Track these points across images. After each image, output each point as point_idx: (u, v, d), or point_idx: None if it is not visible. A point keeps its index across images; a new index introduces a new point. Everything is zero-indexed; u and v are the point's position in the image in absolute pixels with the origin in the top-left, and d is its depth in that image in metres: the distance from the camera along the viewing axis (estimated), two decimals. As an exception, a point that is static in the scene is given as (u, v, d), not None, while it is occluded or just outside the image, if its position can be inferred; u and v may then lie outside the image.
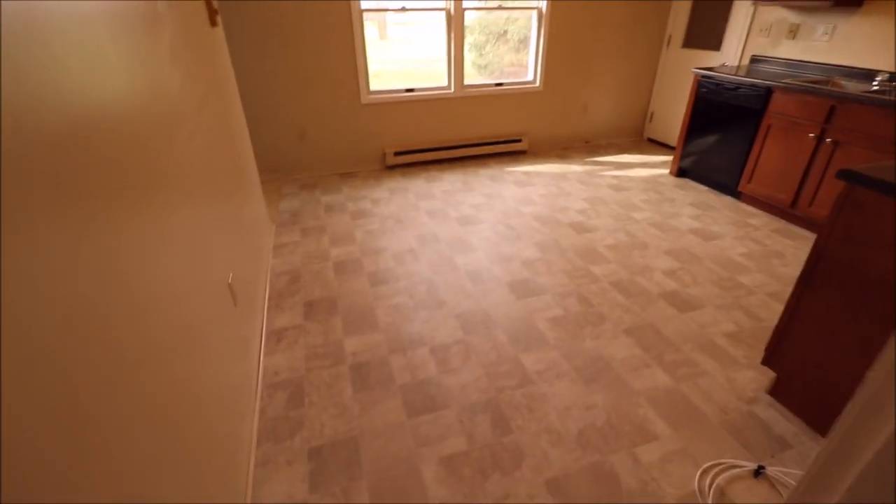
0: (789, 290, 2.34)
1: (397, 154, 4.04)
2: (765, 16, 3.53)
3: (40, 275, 0.57)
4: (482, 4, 4.01)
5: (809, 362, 1.56)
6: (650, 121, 4.85)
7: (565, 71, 4.32)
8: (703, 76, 3.46)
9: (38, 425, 0.52)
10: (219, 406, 1.23)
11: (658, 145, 4.76)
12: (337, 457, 1.49)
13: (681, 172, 3.87)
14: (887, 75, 2.81)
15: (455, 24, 3.80)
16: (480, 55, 4.31)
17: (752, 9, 3.60)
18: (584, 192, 3.58)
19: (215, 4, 2.21)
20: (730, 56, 3.86)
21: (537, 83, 4.30)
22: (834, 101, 2.67)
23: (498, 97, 4.24)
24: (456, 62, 3.94)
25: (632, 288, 2.36)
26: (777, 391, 1.71)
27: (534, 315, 2.15)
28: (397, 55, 5.07)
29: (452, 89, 4.05)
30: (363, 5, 3.50)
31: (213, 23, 2.11)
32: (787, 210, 3.05)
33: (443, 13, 3.78)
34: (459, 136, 4.26)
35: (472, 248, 2.74)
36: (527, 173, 3.98)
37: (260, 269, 2.26)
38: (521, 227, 3.00)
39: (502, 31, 4.23)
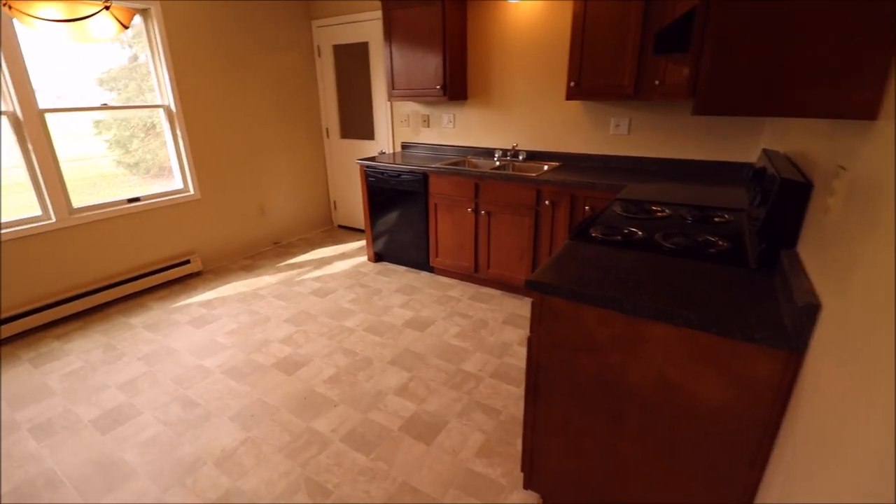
0: (506, 361, 2.38)
1: (-36, 336, 2.48)
2: (401, 109, 3.89)
3: None
4: (79, 104, 2.99)
5: (568, 477, 1.42)
6: (335, 209, 4.75)
7: (226, 173, 3.71)
8: (367, 166, 3.50)
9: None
10: None
11: (349, 230, 4.69)
12: None
13: (378, 257, 3.81)
14: (500, 151, 3.44)
15: (33, 133, 2.66)
16: (127, 152, 3.32)
17: (388, 104, 3.92)
18: (286, 310, 3.00)
19: None
20: (384, 144, 4.11)
21: (192, 191, 3.52)
22: (476, 179, 3.02)
23: (140, 215, 3.23)
24: (49, 180, 2.77)
25: (369, 434, 1.91)
26: (547, 511, 1.54)
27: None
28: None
29: (54, 218, 2.82)
30: None
31: None
32: (474, 275, 3.30)
33: (3, 119, 2.59)
34: (90, 278, 3.01)
35: (128, 474, 1.73)
36: (206, 303, 3.11)
37: None
38: (207, 398, 2.15)
39: (149, 124, 3.34)
